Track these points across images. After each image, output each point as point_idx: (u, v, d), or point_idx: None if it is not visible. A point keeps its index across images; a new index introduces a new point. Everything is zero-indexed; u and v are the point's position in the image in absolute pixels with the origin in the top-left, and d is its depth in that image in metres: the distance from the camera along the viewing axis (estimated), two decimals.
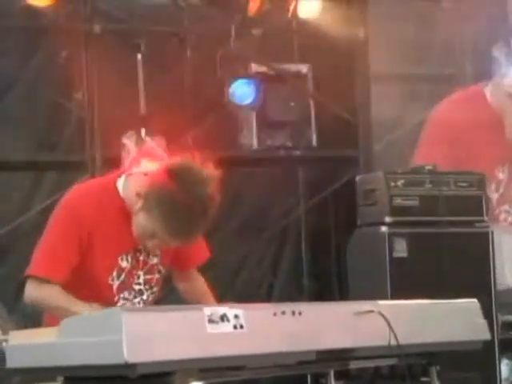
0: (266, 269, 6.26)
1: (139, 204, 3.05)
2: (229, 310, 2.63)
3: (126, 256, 3.12)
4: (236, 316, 2.62)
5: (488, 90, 5.68)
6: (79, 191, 3.17)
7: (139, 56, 5.54)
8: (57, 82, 5.76)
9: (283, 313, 2.72)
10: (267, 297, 6.02)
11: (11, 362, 2.71)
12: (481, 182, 5.31)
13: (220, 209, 6.06)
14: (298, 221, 6.30)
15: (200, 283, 3.32)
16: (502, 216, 5.77)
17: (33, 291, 3.08)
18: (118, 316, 2.48)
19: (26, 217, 5.66)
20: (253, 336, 2.64)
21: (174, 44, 5.74)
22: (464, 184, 5.27)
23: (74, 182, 5.30)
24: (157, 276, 3.19)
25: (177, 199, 3.00)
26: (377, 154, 6.17)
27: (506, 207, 5.78)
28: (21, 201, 5.79)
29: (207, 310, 2.60)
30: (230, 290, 5.83)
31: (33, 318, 5.20)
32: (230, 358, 2.62)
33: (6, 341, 2.84)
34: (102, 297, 3.07)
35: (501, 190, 5.77)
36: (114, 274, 3.10)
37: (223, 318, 2.61)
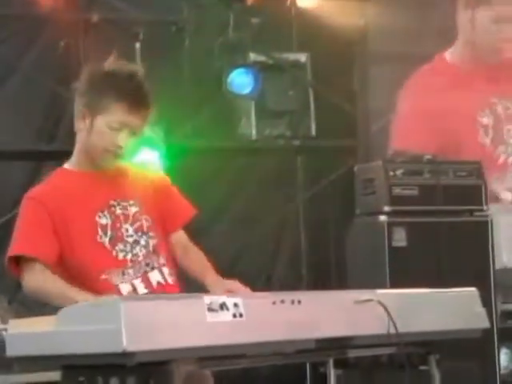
0: (265, 259, 6.27)
1: (87, 117, 3.07)
2: (228, 298, 2.63)
3: (103, 213, 3.10)
4: (235, 305, 2.62)
5: (448, 52, 5.81)
6: (32, 189, 3.21)
7: (138, 45, 5.53)
8: (55, 71, 5.75)
9: (282, 301, 2.72)
10: (266, 286, 6.02)
11: (11, 351, 2.71)
12: (480, 171, 5.31)
13: (219, 198, 6.10)
14: (296, 210, 6.30)
15: (199, 257, 3.27)
16: (502, 158, 5.80)
17: (27, 280, 3.05)
18: (116, 304, 2.48)
19: None
20: (252, 324, 2.64)
21: (173, 33, 5.73)
22: (463, 173, 5.28)
23: None
24: (146, 223, 3.14)
25: (112, 73, 3.08)
26: (375, 140, 6.17)
27: (502, 148, 5.82)
28: (19, 191, 5.77)
29: (207, 299, 2.60)
30: (228, 278, 5.81)
31: (32, 306, 5.21)
32: (230, 346, 2.62)
33: (5, 329, 2.84)
34: (99, 258, 3.05)
35: (490, 134, 5.81)
36: (100, 232, 3.08)
37: (222, 306, 2.60)
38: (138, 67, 3.17)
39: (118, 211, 3.12)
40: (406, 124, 6.00)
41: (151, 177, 3.24)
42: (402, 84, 6.24)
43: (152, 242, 3.14)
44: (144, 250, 3.12)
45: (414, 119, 5.93)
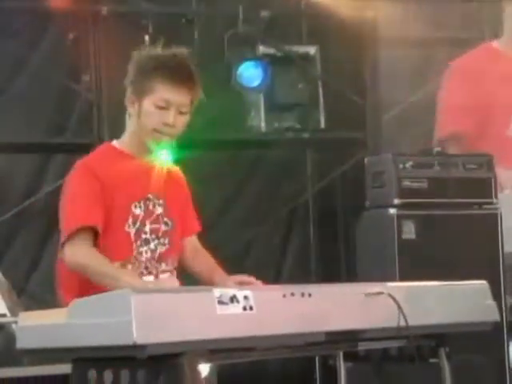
0: (274, 252, 6.26)
1: (135, 102, 3.11)
2: (238, 291, 2.63)
3: (139, 203, 3.13)
4: (246, 297, 2.62)
5: (496, 42, 5.84)
6: (84, 159, 3.22)
7: (147, 38, 5.52)
8: (65, 64, 5.75)
9: (292, 294, 2.72)
10: (275, 280, 6.01)
11: (21, 343, 2.72)
12: (490, 164, 5.29)
13: (228, 191, 6.10)
14: (306, 203, 6.29)
15: (207, 259, 3.31)
16: None
17: (71, 255, 3.03)
18: (127, 297, 2.48)
19: (33, 199, 5.66)
20: (262, 317, 2.64)
21: (182, 26, 5.72)
22: (473, 166, 5.25)
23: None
24: (163, 228, 3.18)
25: (156, 55, 3.15)
26: (385, 133, 6.16)
27: None
28: (28, 183, 5.79)
29: (217, 292, 2.60)
30: (237, 273, 5.81)
31: (41, 300, 5.23)
32: (240, 339, 2.62)
33: (15, 322, 2.84)
34: (119, 246, 3.07)
35: None
36: (130, 221, 3.10)
37: (233, 299, 2.61)
38: (183, 49, 3.19)
39: (151, 207, 3.15)
40: (451, 111, 6.04)
41: (180, 182, 3.30)
42: (413, 73, 6.23)
43: (160, 249, 3.18)
44: (149, 254, 3.15)
45: (459, 105, 5.97)
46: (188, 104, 3.14)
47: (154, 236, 3.15)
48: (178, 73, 3.09)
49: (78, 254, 3.03)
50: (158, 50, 3.18)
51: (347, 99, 6.02)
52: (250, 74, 5.83)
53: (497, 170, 5.28)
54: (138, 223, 3.12)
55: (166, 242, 3.18)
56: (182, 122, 3.14)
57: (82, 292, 2.96)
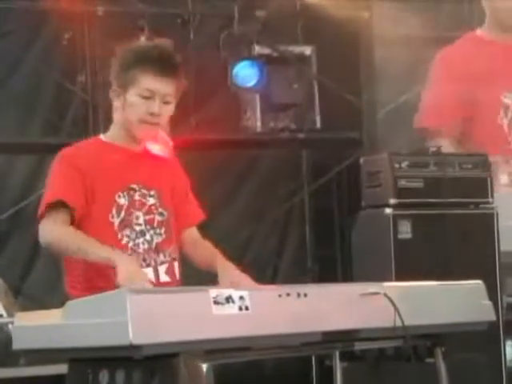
0: (270, 252, 6.27)
1: (120, 94, 3.11)
2: (234, 291, 2.63)
3: (123, 193, 3.11)
4: (241, 297, 2.62)
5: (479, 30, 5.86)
6: (66, 149, 3.21)
7: (143, 38, 5.51)
8: (60, 64, 5.75)
9: (288, 294, 2.72)
10: (271, 280, 6.02)
11: (17, 344, 2.72)
12: (485, 164, 5.30)
13: (223, 191, 6.09)
14: (301, 203, 6.30)
15: (207, 246, 3.29)
16: None
17: (47, 232, 3.02)
18: (123, 297, 2.48)
19: (29, 200, 5.65)
20: (258, 317, 2.64)
21: (178, 26, 5.72)
22: (469, 165, 5.26)
23: None
24: (158, 218, 3.15)
25: (138, 45, 3.18)
26: (381, 133, 6.16)
27: None
28: (24, 184, 5.79)
29: (213, 292, 2.60)
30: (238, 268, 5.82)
31: (38, 300, 5.23)
32: (236, 339, 2.62)
33: (11, 323, 2.84)
34: (104, 236, 3.04)
35: (509, 116, 5.84)
36: (114, 211, 3.08)
37: (228, 299, 2.60)
38: (167, 40, 3.19)
39: (137, 197, 3.14)
40: (433, 100, 6.04)
41: (174, 171, 3.26)
42: (408, 72, 6.24)
43: (157, 240, 3.15)
44: (146, 245, 3.13)
45: (442, 96, 5.97)
46: (172, 93, 3.12)
47: (149, 227, 3.13)
48: (160, 62, 3.08)
49: (49, 230, 3.01)
50: (140, 43, 3.19)
51: (343, 99, 6.03)
52: (245, 73, 5.84)
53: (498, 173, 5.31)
54: (123, 213, 3.10)
55: (162, 231, 3.16)
56: (168, 110, 3.13)
57: (86, 289, 2.96)
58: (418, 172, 5.18)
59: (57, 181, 3.08)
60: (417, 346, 3.04)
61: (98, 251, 2.94)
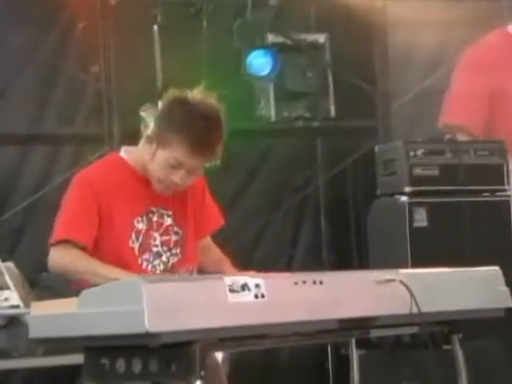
0: (285, 241, 6.25)
1: (153, 143, 3.05)
2: (250, 279, 2.63)
3: (141, 218, 3.12)
4: (257, 285, 2.62)
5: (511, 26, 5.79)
6: (86, 169, 3.22)
7: (155, 27, 5.51)
8: (74, 55, 5.74)
9: (304, 282, 2.71)
10: (287, 269, 6.00)
11: (33, 333, 2.73)
12: (501, 151, 5.27)
13: (238, 181, 6.08)
14: (316, 192, 6.27)
15: (217, 253, 3.31)
16: None
17: (58, 258, 3.06)
18: (138, 286, 2.48)
19: (44, 191, 5.66)
20: (274, 305, 2.64)
21: (191, 15, 5.71)
22: (484, 153, 5.24)
23: (91, 156, 5.31)
24: (174, 238, 3.17)
25: (188, 109, 3.04)
26: (396, 121, 6.13)
27: None
28: (39, 175, 5.79)
29: (228, 280, 2.60)
30: (248, 262, 5.80)
31: (54, 291, 5.23)
32: (251, 327, 2.62)
33: (28, 313, 2.85)
34: (125, 262, 3.07)
35: None
36: (133, 236, 3.10)
37: (244, 287, 2.60)
38: (219, 106, 3.10)
39: (155, 218, 3.14)
40: (462, 100, 5.98)
41: (191, 185, 3.22)
42: (426, 59, 6.19)
43: (173, 260, 3.17)
44: (162, 266, 3.15)
45: (470, 96, 5.91)
46: (201, 167, 3.10)
47: (165, 248, 3.15)
48: (200, 140, 3.00)
49: (61, 256, 3.05)
50: (194, 97, 3.05)
51: (357, 87, 6.00)
52: (259, 62, 5.81)
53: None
54: (141, 238, 3.11)
55: (178, 251, 3.18)
56: (191, 180, 3.11)
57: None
58: (434, 160, 5.16)
59: (71, 210, 3.07)
60: (433, 332, 3.03)
61: (107, 273, 2.95)
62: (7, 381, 5.06)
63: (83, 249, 3.05)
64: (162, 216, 3.15)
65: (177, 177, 3.04)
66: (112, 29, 5.59)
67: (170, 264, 3.16)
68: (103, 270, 2.97)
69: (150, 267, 3.12)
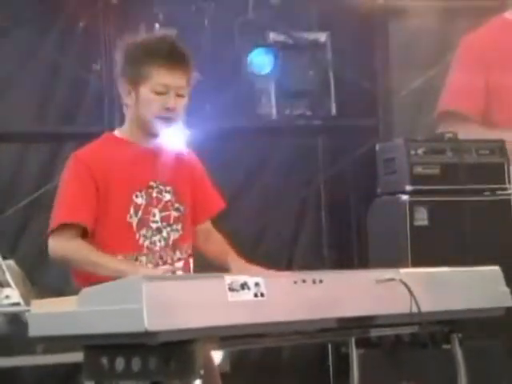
0: (286, 239, 6.25)
1: (132, 93, 3.10)
2: (249, 278, 2.63)
3: (140, 193, 3.10)
4: (257, 284, 2.62)
5: (509, 12, 5.77)
6: (80, 149, 3.21)
7: (157, 25, 5.51)
8: (75, 53, 5.75)
9: (304, 281, 2.71)
10: (287, 267, 6.01)
11: (33, 331, 2.73)
12: (502, 150, 5.27)
13: (239, 179, 6.08)
14: (317, 190, 6.28)
15: (220, 241, 3.28)
16: None
17: (59, 246, 3.03)
18: (138, 284, 2.48)
19: (45, 189, 5.66)
20: (273, 304, 2.64)
21: (192, 13, 5.71)
22: (485, 151, 5.24)
23: None
24: (174, 214, 3.14)
25: (144, 40, 3.15)
26: (397, 119, 6.12)
27: None
28: (40, 173, 5.80)
29: (228, 278, 2.60)
30: (250, 260, 5.81)
31: (55, 289, 5.24)
32: (251, 325, 2.62)
33: (28, 311, 2.85)
34: (122, 237, 3.05)
35: None
36: (132, 211, 3.07)
37: (244, 286, 2.60)
38: (170, 31, 3.20)
39: (154, 194, 3.12)
40: (460, 84, 5.97)
41: (191, 163, 3.25)
42: (428, 54, 6.18)
43: (173, 236, 3.14)
44: (163, 242, 3.12)
45: (469, 80, 5.91)
46: (185, 86, 3.11)
47: (165, 223, 3.12)
48: (171, 56, 3.07)
49: (61, 245, 3.01)
50: (144, 36, 3.18)
51: (358, 86, 6.00)
52: (260, 61, 5.82)
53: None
54: (140, 212, 3.09)
55: (179, 227, 3.15)
56: (182, 103, 3.11)
57: (89, 277, 2.97)
58: (434, 158, 5.16)
59: (70, 193, 3.06)
60: (433, 332, 3.03)
61: (109, 264, 2.94)
62: (7, 379, 5.07)
63: (84, 230, 3.03)
64: (160, 192, 3.13)
65: (169, 100, 3.05)
66: (114, 27, 5.59)
67: (170, 240, 3.13)
68: (106, 261, 2.95)
69: (147, 243, 3.09)
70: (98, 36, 5.66)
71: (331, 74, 6.10)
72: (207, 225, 3.30)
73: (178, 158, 3.21)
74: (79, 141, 5.74)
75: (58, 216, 3.05)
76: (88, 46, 5.71)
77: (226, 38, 5.75)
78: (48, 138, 5.85)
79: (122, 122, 5.55)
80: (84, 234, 3.04)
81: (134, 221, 3.08)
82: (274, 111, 6.05)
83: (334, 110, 6.13)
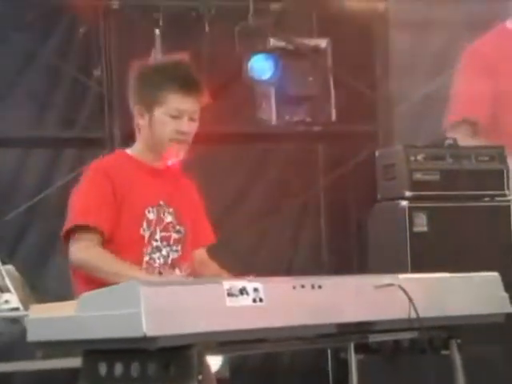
0: (286, 245, 6.25)
1: (145, 116, 3.16)
2: (248, 283, 2.63)
3: (152, 209, 3.16)
4: (255, 289, 2.62)
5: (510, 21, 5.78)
6: (98, 160, 3.28)
7: (157, 31, 5.52)
8: (75, 58, 5.75)
9: (303, 286, 2.72)
10: (287, 273, 6.01)
11: (32, 336, 2.73)
12: (502, 156, 5.27)
13: (238, 185, 6.08)
14: (317, 196, 6.28)
15: (214, 266, 3.33)
16: None
17: (81, 252, 3.05)
18: (136, 289, 2.48)
19: (45, 194, 5.67)
20: (272, 309, 2.64)
21: (193, 19, 5.72)
22: (485, 158, 5.24)
23: (93, 159, 5.31)
24: (175, 235, 3.19)
25: (159, 64, 3.29)
26: (396, 125, 6.13)
27: None
28: (40, 178, 5.80)
29: (226, 284, 2.60)
30: (249, 266, 5.78)
31: (54, 294, 5.24)
32: (250, 331, 2.62)
33: (27, 315, 2.86)
34: (131, 248, 3.09)
35: None
36: (144, 225, 3.14)
37: (242, 291, 2.60)
38: (183, 55, 3.28)
39: (161, 214, 3.19)
40: (469, 92, 5.99)
41: (192, 189, 3.33)
42: (429, 63, 6.18)
43: (173, 256, 3.19)
44: (162, 260, 3.17)
45: (477, 88, 5.93)
46: (198, 110, 3.21)
47: (165, 243, 3.17)
48: (187, 82, 3.16)
49: (85, 251, 3.04)
50: (159, 60, 3.25)
51: (358, 92, 6.01)
52: (260, 66, 5.82)
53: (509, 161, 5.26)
54: (152, 228, 3.15)
55: (179, 248, 3.20)
56: (194, 127, 3.22)
57: (89, 282, 2.98)
58: (434, 164, 5.16)
59: (90, 195, 3.10)
60: (432, 338, 3.02)
61: (130, 273, 2.96)
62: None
63: (101, 234, 3.06)
64: (164, 213, 3.19)
65: (183, 125, 3.14)
66: (114, 33, 5.60)
67: (169, 259, 3.17)
68: (129, 271, 2.98)
69: (146, 258, 3.13)
70: (98, 41, 5.66)
71: (331, 80, 6.10)
72: (202, 254, 3.37)
73: (181, 182, 3.30)
74: (79, 146, 5.83)
75: (75, 216, 3.07)
76: (88, 52, 5.72)
77: (226, 43, 5.76)
78: (48, 143, 5.85)
79: (121, 126, 5.62)
80: (102, 239, 3.08)
81: (146, 234, 3.13)
82: (274, 117, 6.05)
83: (333, 116, 6.13)
